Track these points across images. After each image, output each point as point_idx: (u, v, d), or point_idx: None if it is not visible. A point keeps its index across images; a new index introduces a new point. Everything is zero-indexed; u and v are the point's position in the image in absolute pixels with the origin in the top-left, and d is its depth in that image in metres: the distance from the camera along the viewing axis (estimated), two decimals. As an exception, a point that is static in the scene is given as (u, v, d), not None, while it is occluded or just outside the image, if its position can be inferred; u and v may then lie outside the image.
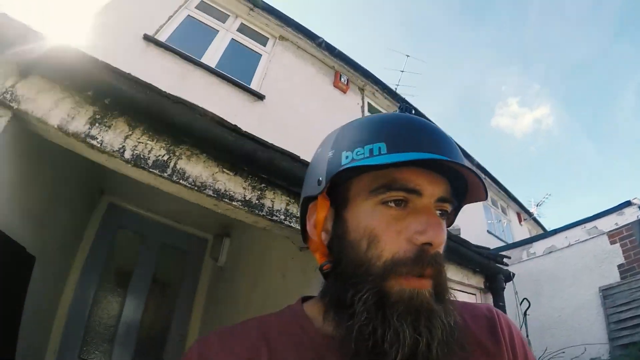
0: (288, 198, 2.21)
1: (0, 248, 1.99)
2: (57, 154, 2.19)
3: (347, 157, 0.62)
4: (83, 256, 3.80)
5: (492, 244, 6.75)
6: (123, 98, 1.85)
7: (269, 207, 2.11)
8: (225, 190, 2.00)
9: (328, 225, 0.66)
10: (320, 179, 0.65)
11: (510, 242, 7.08)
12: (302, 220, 0.73)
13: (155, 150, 1.93)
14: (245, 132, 2.06)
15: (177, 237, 4.68)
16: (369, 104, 6.74)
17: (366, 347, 0.52)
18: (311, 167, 0.73)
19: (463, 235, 5.93)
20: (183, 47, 4.80)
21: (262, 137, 4.27)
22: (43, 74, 1.81)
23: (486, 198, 0.65)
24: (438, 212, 0.61)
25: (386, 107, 6.96)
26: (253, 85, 5.26)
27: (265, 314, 0.71)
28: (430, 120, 0.71)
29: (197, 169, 1.98)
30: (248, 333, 0.65)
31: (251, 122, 4.56)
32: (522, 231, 9.39)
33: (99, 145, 1.81)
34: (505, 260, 4.04)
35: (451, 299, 0.60)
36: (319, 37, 6.16)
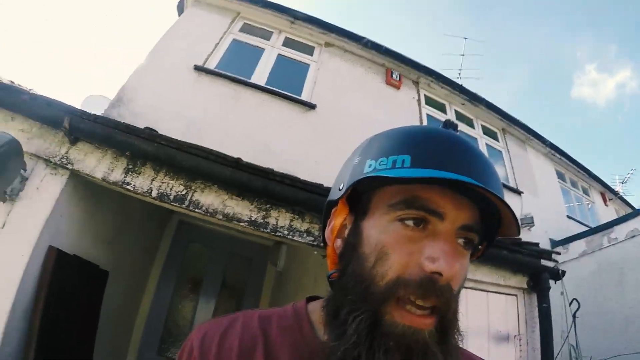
0: (292, 215, 2.58)
1: (76, 268, 2.63)
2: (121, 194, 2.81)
3: (370, 166, 0.61)
4: (159, 268, 4.56)
5: (573, 229, 6.34)
6: (144, 151, 2.36)
7: (273, 225, 2.50)
8: (233, 214, 2.43)
9: (345, 233, 0.66)
10: (342, 184, 0.65)
11: (595, 225, 6.54)
12: (324, 225, 0.73)
13: (176, 187, 2.42)
14: (245, 163, 2.46)
15: (242, 246, 5.31)
16: (425, 96, 6.69)
17: None
18: (340, 172, 0.72)
19: (538, 223, 5.78)
20: (232, 71, 5.27)
21: (316, 145, 4.57)
22: (87, 140, 2.37)
23: (518, 234, 0.60)
24: (461, 240, 0.58)
25: (444, 97, 6.86)
26: (304, 96, 5.52)
27: (269, 309, 0.72)
28: (473, 144, 0.67)
29: (209, 198, 2.43)
30: (247, 324, 0.67)
31: (305, 132, 4.96)
32: (608, 213, 8.54)
33: (132, 189, 2.34)
34: (555, 256, 3.82)
35: (458, 341, 0.59)
36: (363, 38, 6.27)
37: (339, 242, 0.66)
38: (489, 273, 3.46)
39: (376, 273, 0.55)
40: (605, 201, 8.98)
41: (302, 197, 2.43)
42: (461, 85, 7.06)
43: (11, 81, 2.80)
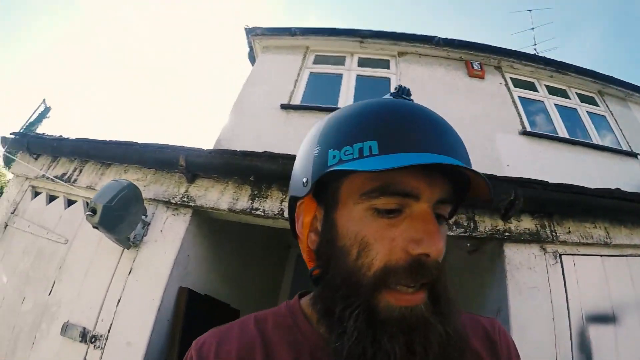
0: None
1: (208, 307, 2.77)
2: (240, 228, 2.91)
3: (334, 157, 0.58)
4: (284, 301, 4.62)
5: None
6: (268, 172, 2.45)
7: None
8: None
9: (317, 225, 0.64)
10: (306, 179, 0.62)
11: None
12: (292, 219, 0.72)
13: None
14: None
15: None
16: (511, 78, 6.43)
17: None
18: (297, 164, 0.70)
19: None
20: (317, 101, 5.52)
21: None
22: (205, 175, 2.52)
23: (490, 197, 0.59)
24: (437, 213, 0.58)
25: (530, 75, 6.53)
26: None
27: (262, 311, 0.73)
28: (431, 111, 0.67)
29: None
30: (245, 330, 0.68)
31: None
32: None
33: (262, 213, 2.43)
34: None
35: (456, 307, 0.59)
36: (433, 37, 6.26)
37: (313, 237, 0.65)
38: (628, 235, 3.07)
39: (362, 265, 0.54)
40: None
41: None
42: (544, 57, 6.71)
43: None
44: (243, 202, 2.51)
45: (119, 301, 2.44)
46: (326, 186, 0.61)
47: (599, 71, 6.68)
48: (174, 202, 2.56)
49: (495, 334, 0.72)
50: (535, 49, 7.50)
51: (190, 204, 2.53)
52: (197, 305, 2.67)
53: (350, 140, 0.57)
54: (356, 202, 0.57)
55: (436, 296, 0.54)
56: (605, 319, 2.70)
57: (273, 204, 2.49)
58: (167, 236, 2.51)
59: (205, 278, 2.84)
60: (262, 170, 2.46)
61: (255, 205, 2.49)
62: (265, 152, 2.55)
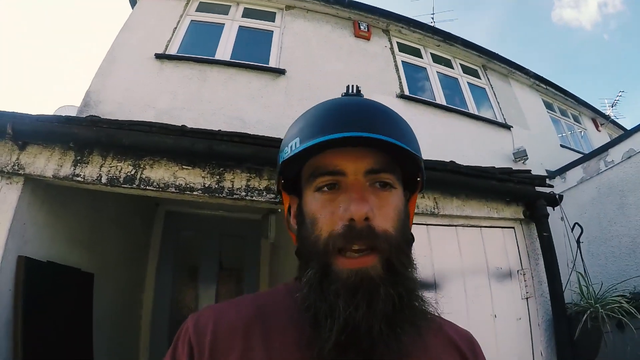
0: (248, 175, 2.67)
1: (52, 273, 2.83)
2: (86, 192, 2.91)
3: (281, 158, 0.75)
4: (154, 262, 4.76)
5: (569, 158, 6.31)
6: (87, 139, 2.46)
7: (229, 188, 2.60)
8: (186, 184, 2.54)
9: (297, 213, 0.77)
10: (277, 178, 0.81)
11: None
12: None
13: (124, 168, 2.53)
14: (189, 129, 2.54)
15: (233, 226, 5.45)
16: (398, 43, 6.71)
17: (308, 318, 0.63)
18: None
19: (532, 155, 5.86)
20: (195, 52, 5.38)
21: (291, 109, 4.69)
22: (35, 142, 2.48)
23: (420, 161, 0.73)
24: (378, 184, 0.69)
25: (418, 41, 6.88)
26: (271, 63, 5.61)
27: (261, 291, 0.84)
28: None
29: (159, 173, 2.55)
30: (243, 305, 0.74)
31: (277, 99, 5.09)
32: (601, 138, 8.53)
33: (82, 179, 2.46)
34: (554, 184, 3.92)
35: (412, 273, 0.68)
36: (322, -8, 6.31)
37: (295, 222, 0.78)
38: (478, 207, 3.47)
39: (316, 236, 0.66)
40: (597, 127, 9.17)
41: (249, 151, 2.50)
42: (433, 26, 7.14)
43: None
44: (66, 169, 2.49)
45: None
46: (295, 181, 0.78)
47: (488, 48, 7.27)
48: (6, 170, 2.51)
49: (474, 343, 0.82)
50: (432, 18, 7.85)
51: (20, 172, 2.50)
52: (40, 272, 2.68)
53: (288, 140, 0.73)
54: (307, 187, 0.72)
55: (388, 262, 0.63)
56: (426, 286, 2.99)
57: (93, 169, 2.51)
58: (1, 206, 2.47)
59: (49, 245, 2.81)
60: (80, 137, 2.46)
61: (77, 171, 2.50)
62: (88, 116, 2.55)
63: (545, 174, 5.86)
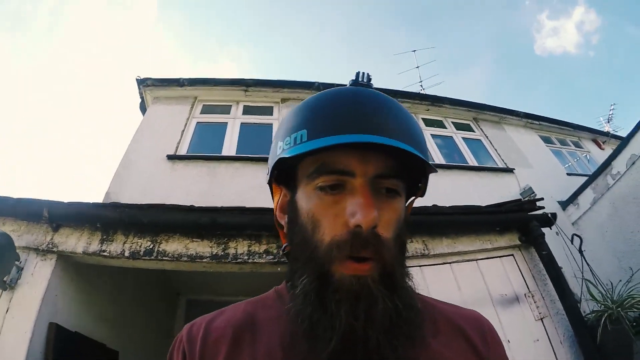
0: (250, 241, 3.16)
1: (79, 344, 3.27)
2: (112, 272, 3.41)
3: (280, 148, 0.69)
4: None
5: (579, 184, 6.40)
6: (112, 219, 3.02)
7: (233, 254, 3.09)
8: (196, 253, 3.04)
9: (287, 207, 0.74)
10: (269, 168, 0.75)
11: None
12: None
13: (144, 244, 3.06)
14: (194, 207, 3.10)
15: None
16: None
17: (302, 330, 0.59)
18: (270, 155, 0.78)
19: (540, 191, 6.15)
20: (203, 150, 6.04)
21: None
22: (66, 225, 3.05)
23: (432, 168, 0.66)
24: (384, 189, 0.65)
25: (409, 110, 7.46)
26: None
27: (253, 298, 0.79)
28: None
29: (174, 245, 3.06)
30: (233, 313, 0.74)
31: None
32: (606, 156, 8.79)
33: (108, 254, 2.99)
34: (539, 204, 3.99)
35: (408, 283, 0.66)
36: (314, 83, 7.05)
37: (284, 218, 0.76)
38: (470, 242, 3.71)
39: (316, 240, 0.62)
40: (599, 146, 9.30)
41: (248, 219, 3.04)
42: (419, 92, 7.77)
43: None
44: (94, 246, 3.07)
45: (-2, 336, 2.91)
46: (289, 172, 0.72)
47: (478, 101, 7.78)
48: (42, 248, 3.08)
49: (484, 324, 0.78)
50: (421, 86, 8.64)
51: (53, 249, 3.07)
52: (67, 340, 3.09)
53: (290, 131, 0.68)
54: (306, 184, 0.67)
55: (386, 271, 0.60)
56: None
57: (117, 245, 3.08)
58: (37, 278, 3.00)
59: (77, 318, 3.27)
60: (107, 218, 3.05)
61: (104, 247, 3.06)
62: (111, 202, 3.17)
63: (559, 205, 6.14)
